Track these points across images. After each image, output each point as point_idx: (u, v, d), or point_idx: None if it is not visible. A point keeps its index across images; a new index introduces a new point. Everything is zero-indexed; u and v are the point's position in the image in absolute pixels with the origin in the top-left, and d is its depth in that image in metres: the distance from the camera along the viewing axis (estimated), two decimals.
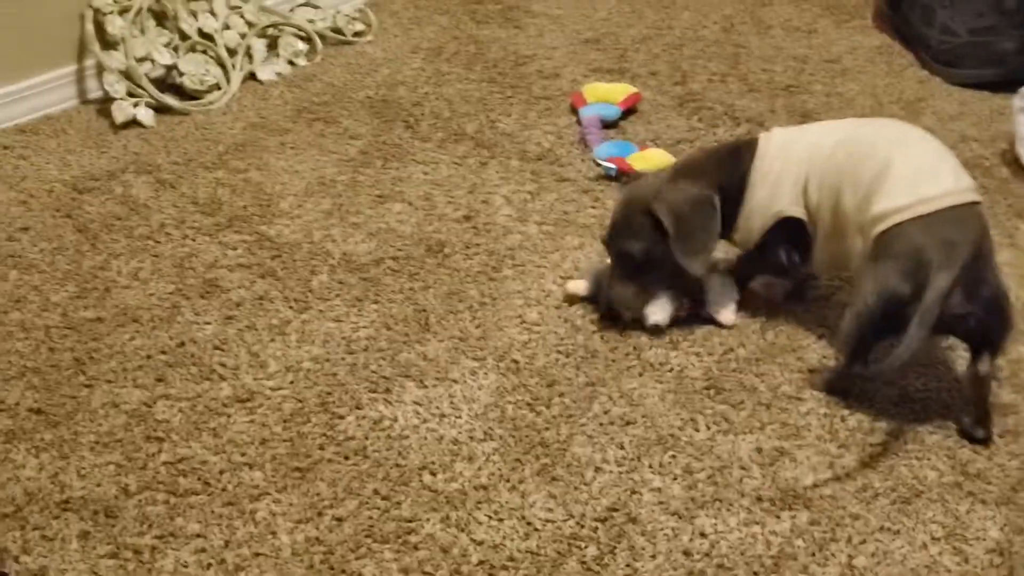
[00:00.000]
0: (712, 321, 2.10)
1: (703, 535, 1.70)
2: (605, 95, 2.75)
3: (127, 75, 2.77)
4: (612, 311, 2.09)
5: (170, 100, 2.80)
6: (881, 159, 1.84)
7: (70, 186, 2.53)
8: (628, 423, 1.89)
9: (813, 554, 1.66)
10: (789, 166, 1.97)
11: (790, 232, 2.00)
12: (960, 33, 2.89)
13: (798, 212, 1.97)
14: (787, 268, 2.06)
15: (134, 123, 2.75)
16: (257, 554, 1.68)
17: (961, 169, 1.87)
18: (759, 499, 1.75)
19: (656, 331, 2.07)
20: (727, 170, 2.03)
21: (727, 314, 2.09)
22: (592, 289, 2.14)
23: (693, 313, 2.10)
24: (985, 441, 1.84)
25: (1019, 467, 1.81)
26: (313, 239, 2.34)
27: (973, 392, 1.84)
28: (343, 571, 1.66)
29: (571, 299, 2.17)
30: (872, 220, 1.82)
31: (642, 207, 2.02)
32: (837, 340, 1.93)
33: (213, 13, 2.93)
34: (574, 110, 2.76)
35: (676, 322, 2.08)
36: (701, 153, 2.24)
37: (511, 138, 2.68)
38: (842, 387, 1.93)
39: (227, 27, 2.94)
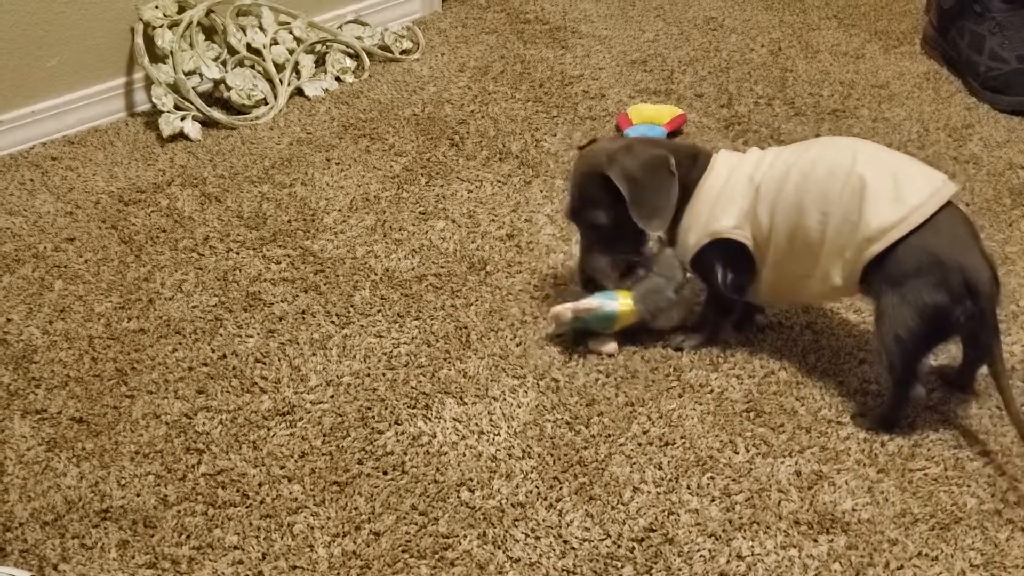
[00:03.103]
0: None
1: (740, 557, 1.69)
2: (651, 116, 2.75)
3: (175, 88, 2.79)
4: (592, 282, 2.09)
5: (217, 114, 2.82)
6: (850, 176, 1.82)
7: (116, 198, 2.54)
8: (667, 444, 1.88)
9: None
10: (734, 188, 1.95)
11: (731, 255, 1.98)
12: (1009, 60, 2.88)
13: (739, 235, 1.95)
14: (722, 289, 2.02)
15: (181, 136, 2.77)
16: (294, 567, 1.69)
17: (926, 166, 1.86)
18: (797, 522, 1.74)
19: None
20: (683, 166, 2.00)
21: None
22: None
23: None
24: None
25: None
26: (356, 255, 2.34)
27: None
28: None
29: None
30: (865, 240, 1.80)
31: (599, 175, 2.00)
32: (884, 372, 1.88)
33: (262, 28, 2.95)
34: (619, 131, 2.76)
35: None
36: (662, 140, 2.29)
37: (556, 157, 2.68)
38: (894, 419, 1.91)
39: (275, 42, 2.96)
